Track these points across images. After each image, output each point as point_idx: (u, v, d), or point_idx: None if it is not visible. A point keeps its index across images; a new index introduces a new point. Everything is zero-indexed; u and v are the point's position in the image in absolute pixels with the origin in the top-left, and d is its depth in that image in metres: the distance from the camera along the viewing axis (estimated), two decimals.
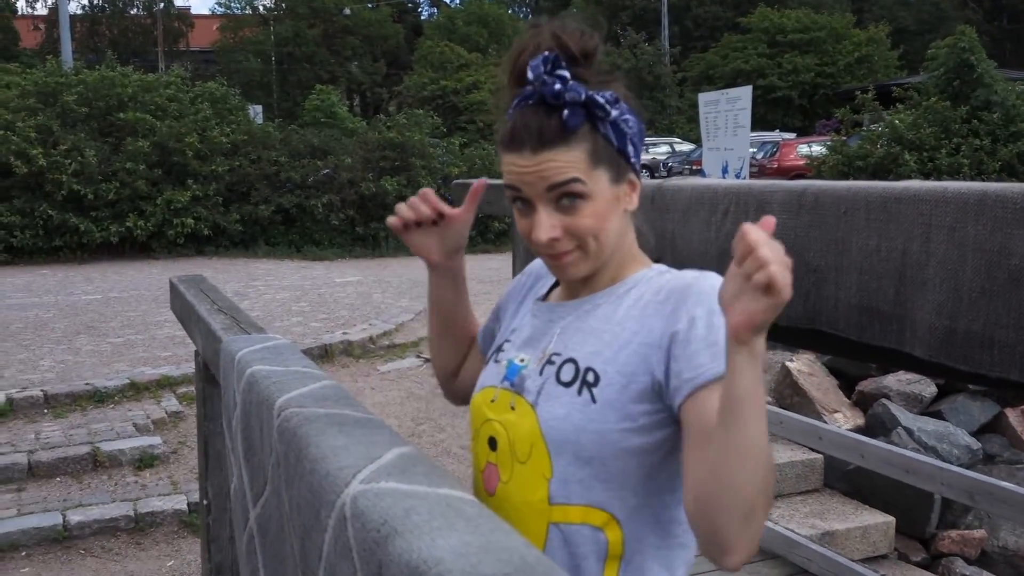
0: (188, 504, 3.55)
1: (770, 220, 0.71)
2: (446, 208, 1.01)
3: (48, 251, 10.64)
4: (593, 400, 0.86)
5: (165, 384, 5.02)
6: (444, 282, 1.07)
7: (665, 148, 21.48)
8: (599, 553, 0.86)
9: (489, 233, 11.92)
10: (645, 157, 12.45)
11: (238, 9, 31.33)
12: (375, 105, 30.60)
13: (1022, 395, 4.35)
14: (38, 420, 4.47)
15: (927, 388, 4.93)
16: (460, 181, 2.22)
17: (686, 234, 1.58)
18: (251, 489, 0.95)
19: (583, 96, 0.84)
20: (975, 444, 4.64)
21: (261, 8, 31.04)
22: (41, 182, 10.53)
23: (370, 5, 31.20)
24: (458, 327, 1.11)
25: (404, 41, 31.01)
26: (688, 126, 24.44)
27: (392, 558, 0.50)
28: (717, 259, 1.49)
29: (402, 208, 1.01)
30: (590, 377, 0.87)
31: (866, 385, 4.97)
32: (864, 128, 12.36)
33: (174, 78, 12.61)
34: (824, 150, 12.77)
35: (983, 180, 10.37)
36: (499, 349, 1.00)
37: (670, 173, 18.47)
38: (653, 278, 0.92)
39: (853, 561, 2.91)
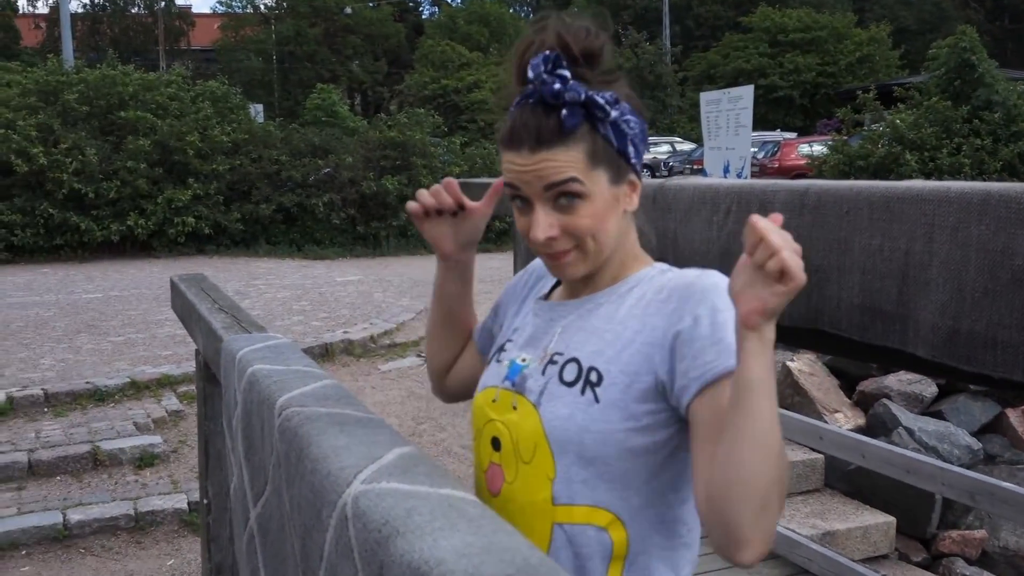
0: (188, 503, 3.55)
1: (777, 217, 0.72)
2: (467, 200, 1.01)
3: (49, 250, 10.64)
4: (596, 400, 0.85)
5: (166, 383, 5.02)
6: (452, 275, 1.07)
7: (666, 147, 21.48)
8: (603, 553, 0.86)
9: (490, 232, 11.91)
10: (646, 156, 12.43)
11: (239, 8, 31.33)
12: (376, 104, 30.62)
13: None
14: (38, 419, 4.47)
15: (928, 388, 4.93)
16: (461, 180, 2.21)
17: (688, 234, 1.58)
18: (251, 488, 0.95)
19: (582, 96, 0.84)
20: (976, 444, 4.64)
21: (262, 7, 31.05)
22: (42, 181, 10.53)
23: (371, 4, 31.20)
24: (459, 321, 1.11)
25: (405, 40, 31.00)
26: (689, 125, 24.43)
27: (394, 559, 0.50)
28: (719, 259, 1.49)
29: (424, 195, 1.01)
30: (593, 377, 0.87)
31: (867, 385, 4.97)
32: (865, 128, 12.36)
33: (175, 77, 12.61)
34: (825, 150, 12.77)
35: (984, 180, 10.36)
36: (501, 349, 0.99)
37: (671, 172, 18.45)
38: (655, 277, 0.92)
39: (854, 561, 2.90)
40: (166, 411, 4.61)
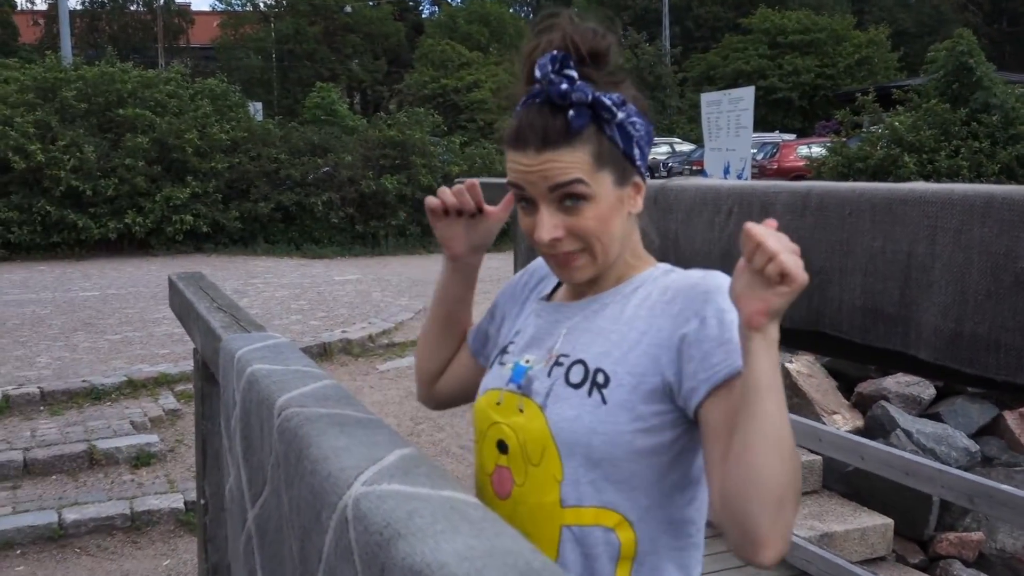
0: (185, 503, 3.54)
1: (772, 221, 0.73)
2: (485, 205, 1.01)
3: (46, 247, 10.62)
4: (604, 401, 0.85)
5: (163, 382, 5.00)
6: (457, 277, 1.06)
7: (665, 148, 21.49)
8: (611, 554, 0.86)
9: None
10: None
11: (239, 6, 31.31)
12: (375, 103, 30.60)
13: None
14: (34, 417, 4.45)
15: (926, 390, 4.94)
16: (461, 180, 2.21)
17: (689, 234, 1.57)
18: (250, 489, 0.94)
19: (589, 97, 0.84)
20: (973, 446, 4.64)
21: (262, 5, 31.02)
22: (39, 178, 10.51)
23: (371, 3, 31.19)
24: (458, 325, 1.10)
25: (405, 39, 30.99)
26: (689, 126, 24.45)
27: (395, 561, 0.49)
28: (720, 260, 1.49)
29: (446, 193, 1.00)
30: (600, 378, 0.86)
31: (865, 387, 4.98)
32: (864, 130, 12.37)
33: (174, 74, 12.59)
34: (824, 151, 12.78)
35: (982, 182, 10.36)
36: (503, 351, 0.98)
37: (670, 173, 18.47)
38: (658, 277, 0.92)
39: (851, 563, 2.90)
40: (163, 410, 4.59)
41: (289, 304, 7.51)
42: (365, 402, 3.29)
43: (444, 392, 1.12)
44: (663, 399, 0.85)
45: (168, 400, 4.75)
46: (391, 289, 8.47)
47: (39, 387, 4.69)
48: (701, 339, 0.82)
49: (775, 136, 19.51)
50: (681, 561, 0.89)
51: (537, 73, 0.84)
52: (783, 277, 0.69)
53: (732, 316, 0.80)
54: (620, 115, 0.85)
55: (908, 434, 4.53)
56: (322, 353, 5.81)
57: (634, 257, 0.94)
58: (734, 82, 22.50)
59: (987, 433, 4.93)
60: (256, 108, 15.25)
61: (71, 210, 10.50)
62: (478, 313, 1.06)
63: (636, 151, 0.88)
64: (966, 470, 3.67)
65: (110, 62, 12.12)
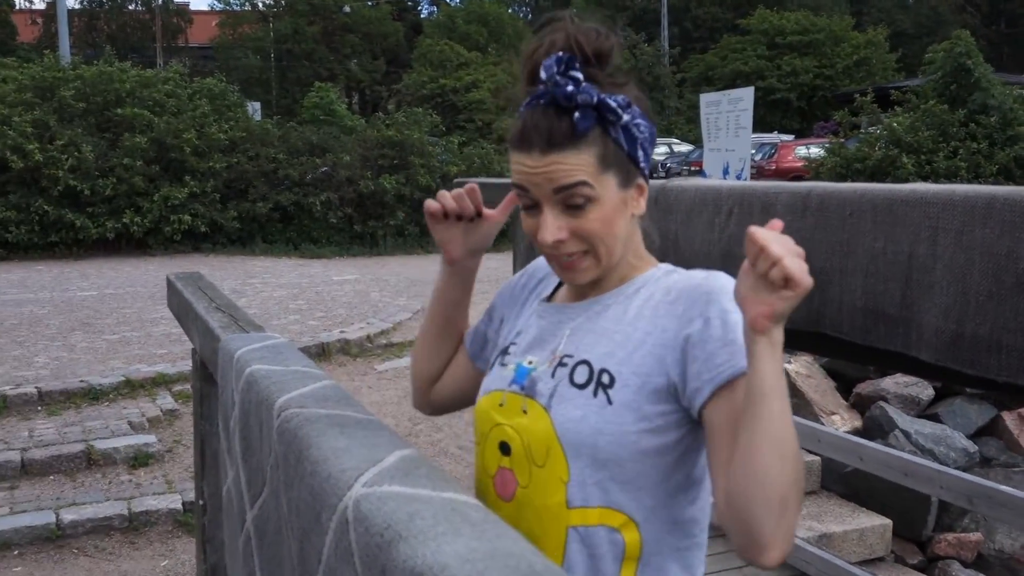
0: (183, 503, 3.53)
1: (777, 223, 0.73)
2: (484, 208, 1.01)
3: (44, 247, 10.60)
4: (609, 402, 0.85)
5: (161, 382, 4.99)
6: (455, 280, 1.06)
7: (664, 149, 21.51)
8: (616, 554, 0.86)
9: None
10: None
11: (237, 5, 31.28)
12: (374, 103, 30.57)
13: None
14: (32, 417, 4.44)
15: (924, 391, 4.94)
16: (460, 180, 2.21)
17: (689, 235, 1.57)
18: (249, 490, 0.94)
19: (595, 99, 0.83)
20: (972, 447, 4.65)
21: (260, 5, 31.00)
22: (37, 177, 10.49)
23: (370, 3, 31.18)
24: (455, 327, 1.10)
25: (404, 39, 30.98)
26: (687, 127, 24.47)
27: (396, 564, 0.49)
28: (720, 260, 1.48)
29: (446, 197, 1.00)
30: (605, 379, 0.86)
31: (864, 387, 4.98)
32: (862, 130, 12.39)
33: (172, 74, 12.57)
34: (822, 152, 12.79)
35: (981, 183, 10.37)
36: (504, 352, 0.98)
37: (668, 174, 18.48)
38: (661, 278, 0.92)
39: (850, 564, 2.90)
40: (161, 410, 4.59)
41: (287, 304, 7.51)
42: (363, 402, 3.28)
43: (441, 396, 1.11)
44: (668, 399, 0.85)
45: (166, 400, 4.75)
46: (389, 289, 8.47)
47: (37, 387, 4.68)
48: (705, 340, 0.82)
49: (773, 137, 19.53)
50: (685, 561, 0.89)
51: (543, 74, 0.84)
52: (787, 281, 0.69)
53: (736, 317, 0.80)
54: (625, 117, 0.85)
55: (907, 435, 4.54)
56: (320, 353, 5.80)
57: (636, 258, 0.94)
58: (732, 83, 22.51)
59: (986, 434, 4.93)
60: (254, 108, 15.23)
61: (69, 210, 10.48)
62: (476, 314, 1.06)
63: (640, 153, 0.88)
64: (964, 471, 3.67)
65: (108, 61, 12.10)
